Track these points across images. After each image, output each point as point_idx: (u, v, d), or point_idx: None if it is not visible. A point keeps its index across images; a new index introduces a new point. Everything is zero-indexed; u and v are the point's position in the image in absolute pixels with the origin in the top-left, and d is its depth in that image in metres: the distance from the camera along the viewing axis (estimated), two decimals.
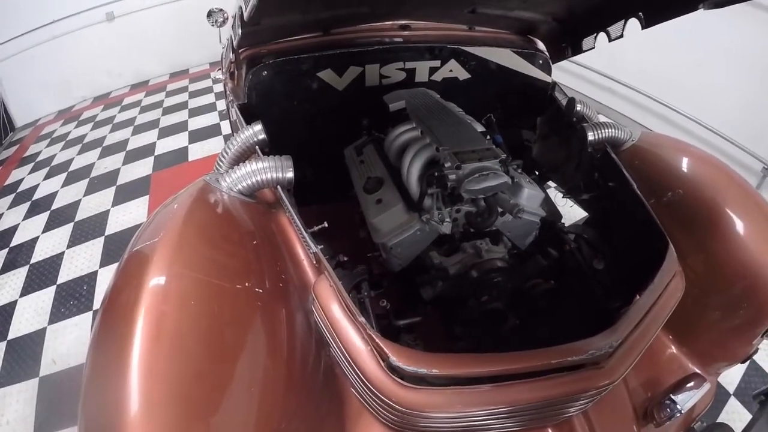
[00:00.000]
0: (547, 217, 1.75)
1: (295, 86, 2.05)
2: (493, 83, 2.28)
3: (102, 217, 4.04)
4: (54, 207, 4.30)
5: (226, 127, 5.21)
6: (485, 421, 1.10)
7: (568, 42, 2.14)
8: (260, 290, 1.14)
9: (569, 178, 2.09)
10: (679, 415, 1.42)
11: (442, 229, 1.56)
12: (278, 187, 1.45)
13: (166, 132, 5.43)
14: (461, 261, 1.58)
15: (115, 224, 3.94)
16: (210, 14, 2.83)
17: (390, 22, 2.21)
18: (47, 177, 4.88)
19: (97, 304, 3.15)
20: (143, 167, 4.74)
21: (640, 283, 1.31)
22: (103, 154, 5.13)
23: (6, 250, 3.84)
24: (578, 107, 2.01)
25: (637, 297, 1.27)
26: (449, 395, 1.07)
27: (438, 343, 1.66)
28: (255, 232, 1.34)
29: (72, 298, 3.23)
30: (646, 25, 1.63)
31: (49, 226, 4.04)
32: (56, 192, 4.54)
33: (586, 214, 2.12)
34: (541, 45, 2.28)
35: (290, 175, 1.45)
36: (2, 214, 4.37)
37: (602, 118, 2.03)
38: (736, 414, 2.38)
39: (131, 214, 4.05)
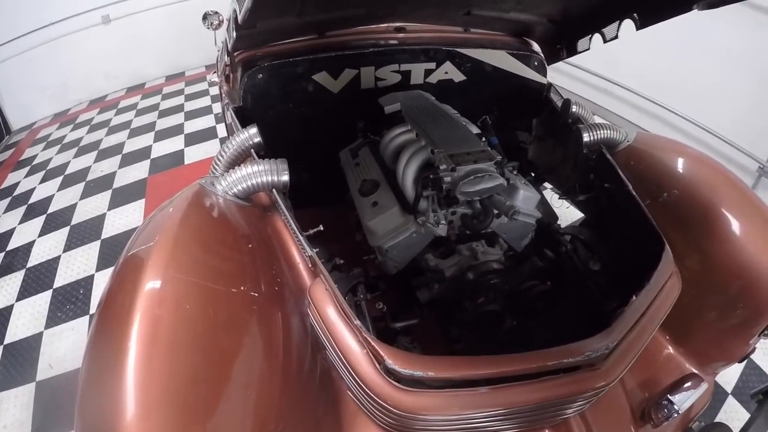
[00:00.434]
0: (543, 219, 1.76)
1: (291, 89, 2.05)
2: (488, 85, 2.28)
3: (98, 221, 4.02)
4: (50, 210, 4.28)
5: (222, 130, 5.20)
6: (482, 423, 1.10)
7: (563, 43, 2.14)
8: (256, 294, 1.14)
9: (565, 180, 2.09)
10: (676, 415, 1.42)
11: (438, 231, 1.56)
12: (274, 190, 1.45)
13: (162, 135, 5.41)
14: (457, 263, 1.59)
15: (111, 228, 3.92)
16: (205, 17, 2.82)
17: (385, 25, 2.21)
18: (43, 180, 4.86)
19: (93, 308, 3.14)
20: (139, 170, 4.73)
21: (637, 284, 1.31)
22: (99, 158, 5.11)
23: (2, 254, 3.82)
24: (573, 108, 2.01)
25: (634, 298, 1.27)
26: (445, 398, 1.07)
27: (434, 345, 1.66)
28: (251, 236, 1.34)
29: (68, 302, 3.21)
30: (640, 26, 1.64)
31: (45, 230, 4.02)
32: (52, 195, 4.52)
33: (582, 215, 2.12)
34: (536, 46, 2.29)
35: (286, 178, 1.45)
36: None
37: (598, 119, 2.04)
38: (734, 413, 2.39)
39: (127, 217, 4.03)
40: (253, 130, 1.64)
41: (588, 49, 2.03)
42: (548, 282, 1.66)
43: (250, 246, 1.29)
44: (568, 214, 2.45)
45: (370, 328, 1.35)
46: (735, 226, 1.54)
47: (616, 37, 1.82)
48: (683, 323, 1.56)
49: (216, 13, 2.82)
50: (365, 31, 2.17)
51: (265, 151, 1.65)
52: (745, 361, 1.99)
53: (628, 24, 1.70)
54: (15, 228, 4.13)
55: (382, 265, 1.63)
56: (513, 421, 1.12)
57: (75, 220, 4.08)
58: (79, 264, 3.56)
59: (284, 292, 1.25)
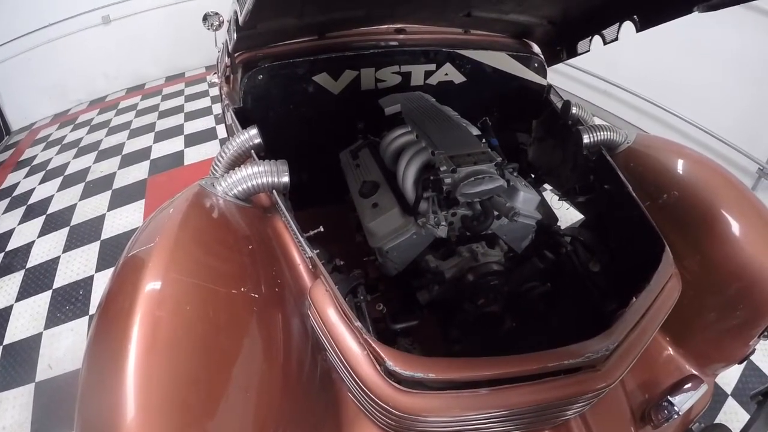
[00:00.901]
0: (543, 220, 1.76)
1: (291, 90, 2.05)
2: (488, 86, 2.28)
3: (98, 222, 4.02)
4: (50, 211, 4.27)
5: (221, 131, 5.20)
6: (482, 424, 1.10)
7: (563, 45, 2.15)
8: (256, 295, 1.14)
9: (565, 181, 2.09)
10: (676, 416, 1.42)
11: (438, 232, 1.56)
12: (274, 191, 1.45)
13: (162, 136, 5.41)
14: (457, 264, 1.59)
15: (110, 229, 3.92)
16: (206, 18, 2.82)
17: (385, 26, 2.21)
18: (43, 181, 4.86)
19: (93, 308, 3.13)
20: (139, 171, 4.73)
21: (637, 285, 1.32)
22: (99, 158, 5.11)
23: (1, 254, 3.82)
24: (573, 110, 2.01)
25: (634, 299, 1.27)
26: (446, 399, 1.07)
27: (435, 346, 1.66)
28: (251, 237, 1.34)
29: (68, 303, 3.21)
30: (641, 28, 1.64)
31: (44, 231, 4.02)
32: (52, 196, 4.52)
33: (582, 216, 2.12)
34: (536, 48, 2.29)
35: (286, 179, 1.45)
36: None
37: (597, 121, 2.04)
38: (733, 414, 2.38)
39: (127, 218, 4.03)
40: (254, 131, 1.64)
41: (588, 50, 2.03)
42: (548, 283, 1.66)
43: (250, 247, 1.29)
44: (568, 215, 2.45)
45: (371, 330, 1.35)
46: (735, 227, 1.54)
47: (616, 39, 1.82)
48: (683, 324, 1.56)
49: (216, 14, 2.83)
50: (365, 33, 2.18)
51: (265, 152, 1.65)
52: (745, 363, 1.99)
53: (628, 26, 1.70)
54: (14, 228, 4.13)
55: (383, 267, 1.63)
56: (514, 423, 1.12)
57: (75, 221, 4.08)
58: (78, 265, 3.56)
59: (284, 294, 1.25)
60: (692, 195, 1.64)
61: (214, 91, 6.14)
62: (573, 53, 2.10)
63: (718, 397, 2.42)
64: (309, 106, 2.12)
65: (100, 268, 3.50)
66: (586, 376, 1.12)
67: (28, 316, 3.15)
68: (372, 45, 2.12)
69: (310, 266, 1.31)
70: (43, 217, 4.21)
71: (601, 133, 1.86)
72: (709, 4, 1.36)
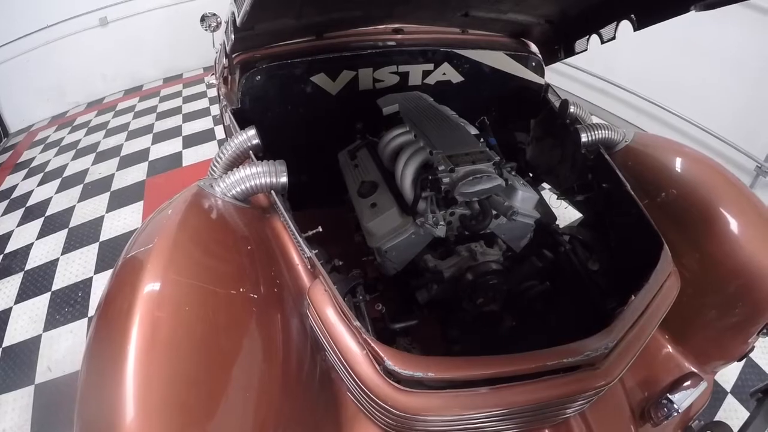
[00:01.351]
0: (542, 219, 1.76)
1: (289, 91, 2.05)
2: (486, 86, 2.29)
3: (96, 223, 4.02)
4: (48, 213, 4.27)
5: (220, 132, 5.20)
6: (482, 423, 1.10)
7: (560, 44, 2.15)
8: (255, 295, 1.14)
9: (563, 180, 2.10)
10: (676, 414, 1.42)
11: (437, 232, 1.56)
12: (272, 191, 1.45)
13: (160, 137, 5.41)
14: (456, 264, 1.59)
15: (109, 230, 3.92)
16: (203, 19, 2.82)
17: (383, 26, 2.21)
18: (41, 183, 4.86)
19: (92, 310, 3.13)
20: (137, 173, 4.73)
21: (636, 284, 1.32)
22: (97, 160, 5.11)
23: (0, 256, 3.82)
24: (571, 109, 2.01)
25: (633, 297, 1.27)
26: (445, 398, 1.07)
27: (434, 346, 1.66)
28: (249, 238, 1.34)
29: (67, 305, 3.21)
30: (638, 26, 1.64)
31: (43, 233, 4.01)
32: (50, 198, 4.52)
33: (581, 215, 2.12)
34: (533, 47, 2.29)
35: (284, 179, 1.45)
36: None
37: (595, 120, 2.04)
38: (733, 412, 2.39)
39: (125, 220, 4.03)
40: (252, 131, 1.63)
41: (586, 49, 2.04)
42: (547, 282, 1.66)
43: (249, 248, 1.29)
44: (566, 214, 2.45)
45: (370, 329, 1.35)
46: (733, 225, 1.54)
47: (613, 38, 1.82)
48: (682, 322, 1.56)
49: (214, 15, 2.83)
50: (363, 33, 2.18)
51: (264, 152, 1.65)
52: (744, 360, 1.99)
53: (625, 25, 1.70)
54: (13, 231, 4.13)
55: (381, 266, 1.63)
56: (513, 422, 1.12)
57: (73, 223, 4.08)
58: (77, 266, 3.56)
59: (283, 294, 1.25)
60: (691, 193, 1.64)
61: (212, 93, 6.14)
62: (571, 52, 2.11)
63: (717, 395, 2.43)
64: (307, 107, 2.12)
65: (98, 269, 3.50)
66: (586, 375, 1.12)
67: (27, 318, 3.15)
68: (370, 45, 2.12)
69: (309, 266, 1.31)
70: (42, 219, 4.21)
71: (600, 131, 1.86)
72: (705, 2, 1.36)
